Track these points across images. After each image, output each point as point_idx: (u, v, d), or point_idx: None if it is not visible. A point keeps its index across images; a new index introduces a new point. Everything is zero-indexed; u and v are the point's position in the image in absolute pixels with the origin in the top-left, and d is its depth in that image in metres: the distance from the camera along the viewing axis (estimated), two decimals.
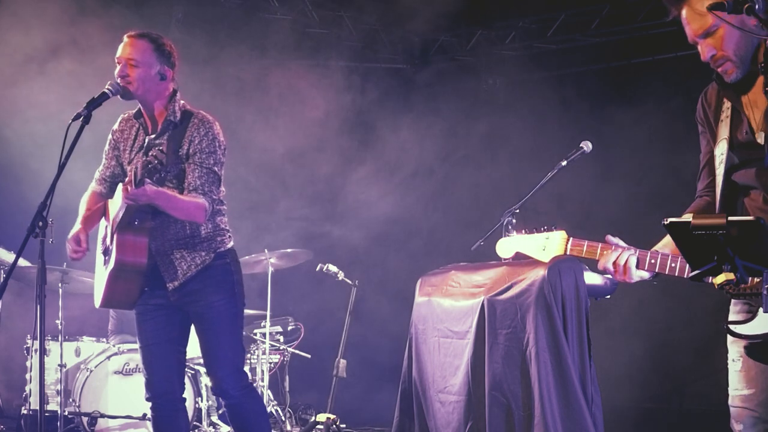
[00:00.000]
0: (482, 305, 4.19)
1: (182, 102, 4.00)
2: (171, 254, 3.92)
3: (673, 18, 2.70)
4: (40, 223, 3.43)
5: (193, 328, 4.08)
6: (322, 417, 5.93)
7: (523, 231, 2.97)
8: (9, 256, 5.69)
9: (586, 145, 4.76)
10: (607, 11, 7.59)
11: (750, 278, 2.43)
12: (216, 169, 3.91)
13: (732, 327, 2.59)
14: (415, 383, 4.54)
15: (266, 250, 6.43)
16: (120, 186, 3.87)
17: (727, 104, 2.73)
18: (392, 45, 8.44)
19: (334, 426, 5.85)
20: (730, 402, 2.79)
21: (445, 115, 8.36)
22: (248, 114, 7.61)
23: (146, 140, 3.96)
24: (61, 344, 5.63)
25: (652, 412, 7.10)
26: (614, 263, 2.71)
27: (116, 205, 3.91)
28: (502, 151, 7.70)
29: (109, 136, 4.11)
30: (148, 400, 4.04)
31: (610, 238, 2.77)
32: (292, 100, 7.68)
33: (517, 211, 4.80)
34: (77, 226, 3.98)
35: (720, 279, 2.37)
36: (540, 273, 4.05)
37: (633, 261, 2.69)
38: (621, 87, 7.79)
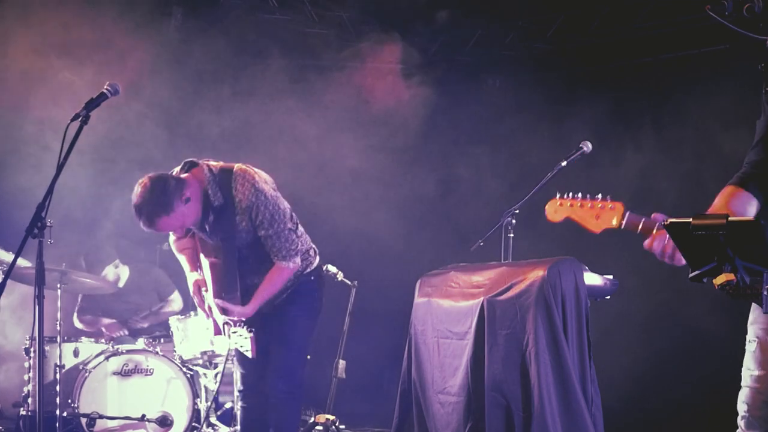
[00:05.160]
0: (482, 306, 4.18)
1: (207, 173, 4.05)
2: None
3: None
4: (39, 224, 3.43)
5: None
6: (321, 418, 5.91)
7: (578, 196, 2.88)
8: (8, 257, 5.68)
9: (586, 146, 4.77)
10: (607, 11, 7.57)
11: (750, 279, 2.42)
12: (282, 226, 4.13)
13: None
14: (414, 384, 4.53)
15: None
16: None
17: None
18: (392, 45, 8.43)
19: (334, 427, 5.83)
20: (742, 382, 2.83)
21: (445, 115, 8.34)
22: (248, 115, 7.59)
23: (207, 228, 4.14)
24: (59, 345, 5.61)
25: (651, 412, 7.09)
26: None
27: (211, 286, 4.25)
28: (501, 152, 7.69)
29: None
30: (240, 392, 4.42)
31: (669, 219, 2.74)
32: (292, 101, 7.66)
33: (517, 212, 4.82)
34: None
35: (720, 280, 2.36)
36: (540, 273, 4.04)
37: None
38: (621, 87, 7.77)
